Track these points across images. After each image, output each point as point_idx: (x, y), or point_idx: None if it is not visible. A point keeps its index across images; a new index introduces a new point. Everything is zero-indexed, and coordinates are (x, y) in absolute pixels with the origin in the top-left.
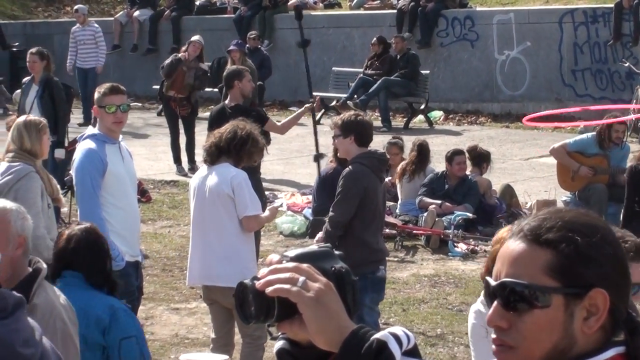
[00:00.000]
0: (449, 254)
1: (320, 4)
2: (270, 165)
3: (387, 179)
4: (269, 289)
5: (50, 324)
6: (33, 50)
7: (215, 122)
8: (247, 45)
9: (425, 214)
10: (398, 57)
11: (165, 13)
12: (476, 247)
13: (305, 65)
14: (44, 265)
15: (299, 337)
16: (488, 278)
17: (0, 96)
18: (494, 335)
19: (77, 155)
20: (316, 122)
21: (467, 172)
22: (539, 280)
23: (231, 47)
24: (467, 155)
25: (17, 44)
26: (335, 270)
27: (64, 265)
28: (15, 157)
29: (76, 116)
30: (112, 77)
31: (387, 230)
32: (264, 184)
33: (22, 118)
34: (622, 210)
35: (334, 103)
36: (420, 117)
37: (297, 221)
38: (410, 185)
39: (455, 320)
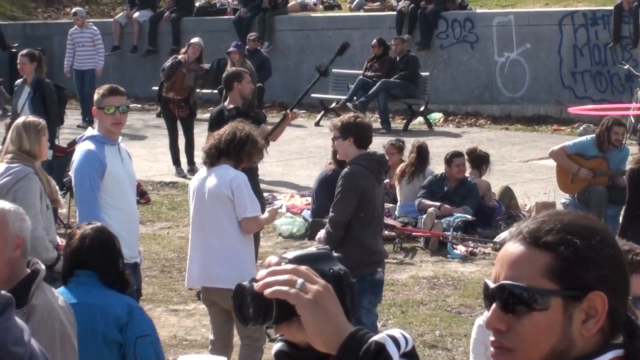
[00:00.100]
0: (448, 256)
1: (320, 6)
2: (270, 167)
3: (385, 180)
4: (267, 291)
5: (48, 325)
6: (24, 52)
7: (215, 124)
8: (247, 47)
9: (425, 216)
10: (398, 59)
11: (165, 14)
12: (475, 249)
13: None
14: (43, 267)
15: (297, 339)
16: (487, 280)
17: (0, 97)
18: (492, 338)
19: (77, 157)
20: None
21: (467, 174)
22: (537, 282)
23: (231, 49)
24: (466, 157)
25: (16, 44)
26: (333, 272)
27: (77, 264)
28: (14, 158)
29: (76, 117)
30: (111, 79)
31: (386, 232)
32: (263, 186)
33: (21, 119)
34: (622, 213)
35: (333, 105)
36: (420, 119)
37: (296, 223)
38: (410, 187)
39: (453, 322)
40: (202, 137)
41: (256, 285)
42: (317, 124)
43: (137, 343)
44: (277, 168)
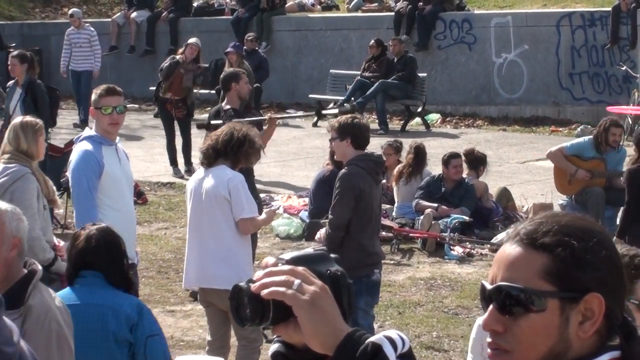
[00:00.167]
0: (445, 257)
1: (318, 6)
2: (267, 168)
3: (383, 181)
4: (264, 292)
5: (45, 325)
6: (14, 53)
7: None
8: (245, 47)
9: (422, 217)
10: (395, 59)
11: (163, 14)
12: (472, 251)
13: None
14: (40, 267)
15: (294, 340)
16: (484, 282)
17: None
18: (489, 339)
19: (74, 157)
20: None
21: (464, 175)
22: (534, 284)
23: (228, 49)
24: (463, 158)
25: (14, 44)
26: (330, 273)
27: (82, 265)
28: (12, 158)
29: (73, 117)
30: (109, 79)
31: (384, 233)
32: (261, 187)
33: (19, 119)
34: (621, 214)
35: (331, 106)
36: (417, 119)
37: (293, 224)
38: (407, 188)
39: (450, 323)
40: (199, 137)
41: (253, 286)
42: (315, 124)
43: (148, 342)
44: (275, 169)
